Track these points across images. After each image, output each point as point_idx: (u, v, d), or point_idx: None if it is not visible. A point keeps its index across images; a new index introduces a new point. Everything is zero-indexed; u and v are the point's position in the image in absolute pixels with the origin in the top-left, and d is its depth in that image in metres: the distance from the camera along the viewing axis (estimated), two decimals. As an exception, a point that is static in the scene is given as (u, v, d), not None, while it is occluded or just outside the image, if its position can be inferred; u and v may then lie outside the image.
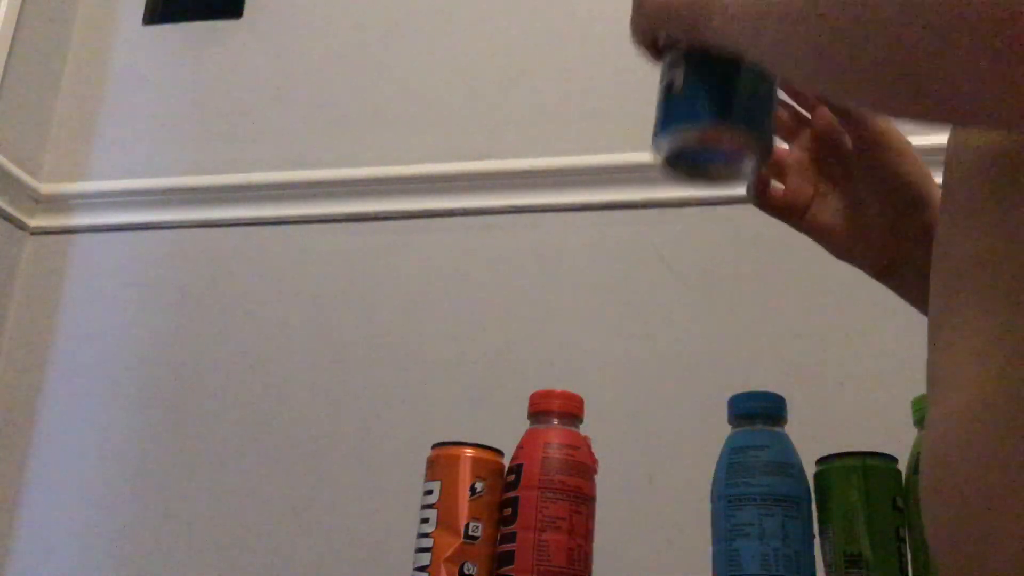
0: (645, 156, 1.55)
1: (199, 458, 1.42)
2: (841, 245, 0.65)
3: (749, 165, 0.55)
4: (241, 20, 1.68)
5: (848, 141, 0.64)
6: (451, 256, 1.45)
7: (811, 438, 0.77)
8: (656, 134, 0.53)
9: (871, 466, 0.73)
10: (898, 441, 0.74)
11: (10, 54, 1.58)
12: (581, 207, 1.43)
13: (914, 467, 0.73)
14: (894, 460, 0.74)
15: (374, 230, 1.49)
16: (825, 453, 0.75)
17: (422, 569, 0.76)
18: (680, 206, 1.39)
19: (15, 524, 1.44)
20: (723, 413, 0.79)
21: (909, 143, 0.64)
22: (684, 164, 0.55)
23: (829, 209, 0.65)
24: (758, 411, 0.74)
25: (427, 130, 1.52)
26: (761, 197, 0.66)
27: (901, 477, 0.73)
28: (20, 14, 1.61)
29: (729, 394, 0.79)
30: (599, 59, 1.50)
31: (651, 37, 0.54)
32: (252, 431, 1.41)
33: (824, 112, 0.65)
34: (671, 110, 0.53)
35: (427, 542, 0.76)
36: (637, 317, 1.35)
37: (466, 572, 0.75)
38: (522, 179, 1.45)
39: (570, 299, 1.38)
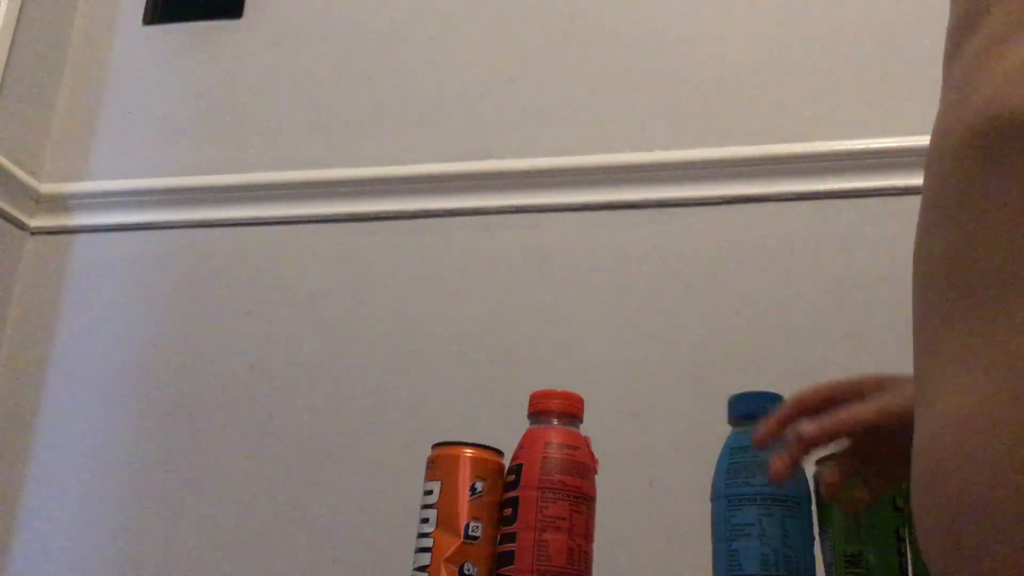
0: (645, 156, 1.55)
1: (199, 458, 1.42)
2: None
3: None
4: (241, 20, 1.67)
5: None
6: (451, 256, 1.45)
7: (811, 438, 0.76)
8: None
9: (871, 466, 0.73)
10: (898, 441, 0.73)
11: (10, 54, 1.58)
12: (581, 207, 1.42)
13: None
14: (894, 460, 0.74)
15: (374, 230, 1.49)
16: (824, 453, 0.75)
17: (422, 569, 0.76)
18: (680, 206, 1.38)
19: (15, 524, 1.44)
20: (723, 413, 0.79)
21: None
22: None
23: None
24: (758, 411, 0.74)
25: (427, 130, 1.52)
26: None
27: (901, 477, 0.73)
28: (20, 14, 1.61)
29: (729, 394, 0.79)
30: (599, 59, 1.50)
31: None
32: (252, 431, 1.41)
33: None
34: None
35: (427, 542, 0.76)
36: (637, 317, 1.35)
37: (466, 572, 0.75)
38: (522, 179, 1.45)
39: (570, 299, 1.38)
